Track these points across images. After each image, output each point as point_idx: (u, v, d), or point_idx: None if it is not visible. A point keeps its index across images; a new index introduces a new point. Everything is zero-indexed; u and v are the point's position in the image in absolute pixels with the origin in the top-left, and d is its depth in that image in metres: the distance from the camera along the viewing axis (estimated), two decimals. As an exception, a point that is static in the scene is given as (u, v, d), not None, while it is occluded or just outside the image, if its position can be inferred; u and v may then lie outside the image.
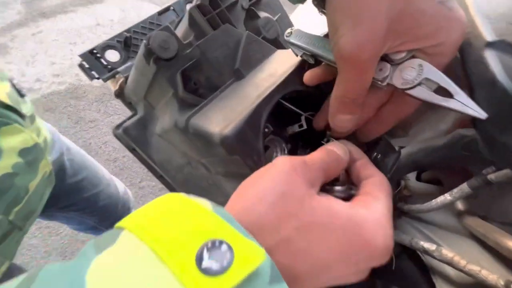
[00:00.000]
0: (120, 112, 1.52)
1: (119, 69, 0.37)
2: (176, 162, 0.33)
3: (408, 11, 0.17)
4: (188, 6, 0.43)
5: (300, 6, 0.86)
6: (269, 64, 0.28)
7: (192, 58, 0.26)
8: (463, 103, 0.18)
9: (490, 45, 0.17)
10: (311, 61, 0.24)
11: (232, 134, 0.21)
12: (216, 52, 0.27)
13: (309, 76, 0.24)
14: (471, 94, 0.18)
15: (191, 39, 0.27)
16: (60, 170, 0.48)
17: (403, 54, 0.19)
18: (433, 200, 0.44)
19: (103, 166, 1.41)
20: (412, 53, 0.19)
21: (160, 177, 0.38)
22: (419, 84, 0.19)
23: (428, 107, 0.45)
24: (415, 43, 0.18)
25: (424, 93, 0.19)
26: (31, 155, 0.38)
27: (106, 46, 0.38)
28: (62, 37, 1.80)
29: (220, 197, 0.33)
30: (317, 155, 0.19)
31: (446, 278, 0.38)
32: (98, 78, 0.38)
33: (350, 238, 0.16)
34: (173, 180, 0.35)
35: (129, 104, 0.40)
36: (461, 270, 0.32)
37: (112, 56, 0.39)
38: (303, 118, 0.27)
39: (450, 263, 0.33)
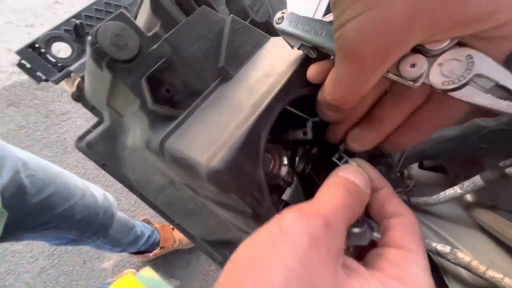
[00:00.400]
0: (95, 102, 1.39)
1: (71, 68, 0.30)
2: (155, 183, 0.28)
3: None
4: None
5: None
6: (263, 59, 0.22)
7: (160, 57, 0.20)
8: None
9: None
10: (313, 54, 0.18)
11: (224, 167, 0.15)
12: (193, 46, 0.20)
13: (314, 72, 0.18)
14: None
15: (157, 30, 0.20)
16: (18, 190, 0.41)
17: (445, 43, 0.14)
18: (441, 193, 0.41)
19: (82, 163, 1.31)
20: (457, 39, 0.14)
21: (140, 195, 0.32)
22: (467, 83, 0.14)
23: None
24: (463, 28, 0.12)
25: (476, 96, 0.14)
26: None
27: (51, 38, 0.30)
28: (17, 19, 1.58)
29: (211, 219, 0.28)
30: (337, 201, 0.14)
31: (460, 280, 0.36)
32: (46, 80, 0.30)
33: None
34: (154, 201, 0.30)
35: (93, 108, 0.33)
36: (480, 276, 0.30)
37: (62, 50, 0.31)
38: (309, 124, 0.22)
39: (467, 268, 0.31)
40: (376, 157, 0.28)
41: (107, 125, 0.30)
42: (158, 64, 0.19)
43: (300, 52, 0.20)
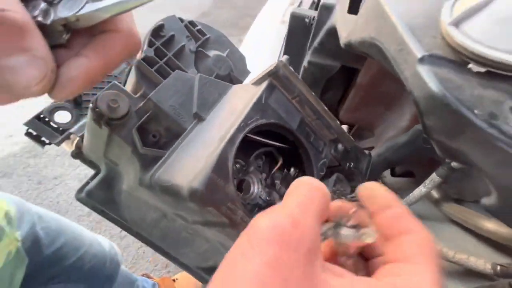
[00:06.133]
0: (87, 162, 1.43)
1: (72, 130, 0.35)
2: (150, 218, 0.31)
3: None
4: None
5: (248, 35, 0.89)
6: (228, 101, 0.28)
7: (146, 111, 0.25)
8: None
9: (421, 60, 0.18)
10: None
11: (201, 186, 0.20)
12: (171, 100, 0.26)
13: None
14: (418, 109, 0.19)
15: (142, 92, 0.26)
16: (34, 243, 0.43)
17: None
18: (410, 195, 0.46)
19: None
20: None
21: (136, 234, 0.35)
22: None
23: (386, 109, 0.47)
24: None
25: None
26: None
27: (54, 108, 0.35)
28: (10, 95, 1.68)
29: (203, 244, 0.31)
30: (301, 197, 0.14)
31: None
32: (49, 144, 0.35)
33: None
34: (150, 236, 0.33)
35: (90, 163, 0.38)
36: (449, 261, 0.33)
37: (63, 117, 0.37)
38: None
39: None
40: (331, 167, 0.33)
41: (104, 175, 0.34)
42: (144, 118, 0.25)
43: (257, 92, 0.26)
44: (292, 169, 0.31)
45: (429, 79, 0.17)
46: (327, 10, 0.38)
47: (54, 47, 0.16)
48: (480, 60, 0.16)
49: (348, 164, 0.36)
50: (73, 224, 0.55)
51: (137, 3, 0.15)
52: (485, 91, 0.16)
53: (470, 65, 0.17)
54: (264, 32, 0.94)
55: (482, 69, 0.16)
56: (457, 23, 0.17)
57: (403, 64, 0.19)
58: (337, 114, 0.57)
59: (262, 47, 0.86)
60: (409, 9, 0.21)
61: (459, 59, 0.17)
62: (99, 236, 0.62)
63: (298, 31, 0.44)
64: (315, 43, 0.40)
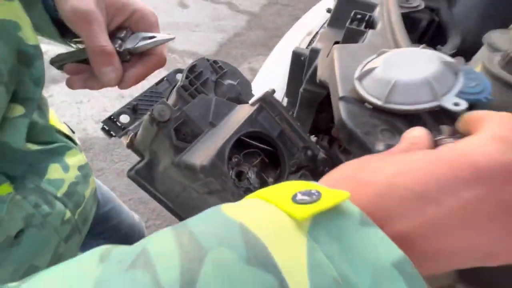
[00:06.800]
0: (124, 159, 1.66)
1: (130, 128, 0.52)
2: (175, 190, 0.46)
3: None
4: (178, 76, 0.59)
5: (267, 60, 1.05)
6: (233, 116, 0.42)
7: (180, 119, 0.40)
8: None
9: (341, 98, 0.30)
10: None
11: (207, 163, 0.34)
12: (196, 112, 0.41)
13: None
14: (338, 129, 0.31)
15: (178, 106, 0.41)
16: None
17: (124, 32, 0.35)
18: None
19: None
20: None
21: (165, 205, 0.50)
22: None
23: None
24: (121, 17, 0.34)
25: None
26: (84, 170, 0.53)
27: (120, 112, 0.52)
28: (70, 98, 2.02)
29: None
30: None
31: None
32: (114, 136, 0.52)
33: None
34: (173, 205, 0.47)
35: (138, 152, 0.54)
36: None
37: (124, 118, 0.54)
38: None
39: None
40: (303, 167, 0.45)
41: (147, 160, 0.49)
42: (179, 123, 0.40)
43: (251, 110, 0.40)
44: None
45: (342, 111, 0.29)
46: (315, 52, 0.52)
47: (123, 62, 0.35)
48: (367, 101, 0.28)
49: (321, 168, 0.48)
50: (117, 197, 0.73)
51: (165, 42, 0.36)
52: (370, 119, 0.27)
53: (366, 104, 0.29)
54: (281, 58, 1.09)
55: (370, 106, 0.28)
56: (360, 79, 0.29)
57: (334, 100, 0.32)
58: (330, 131, 0.69)
59: (278, 71, 1.01)
60: (347, 65, 0.34)
61: (361, 99, 0.29)
62: (132, 212, 0.79)
63: (297, 64, 0.58)
64: (307, 75, 0.54)
